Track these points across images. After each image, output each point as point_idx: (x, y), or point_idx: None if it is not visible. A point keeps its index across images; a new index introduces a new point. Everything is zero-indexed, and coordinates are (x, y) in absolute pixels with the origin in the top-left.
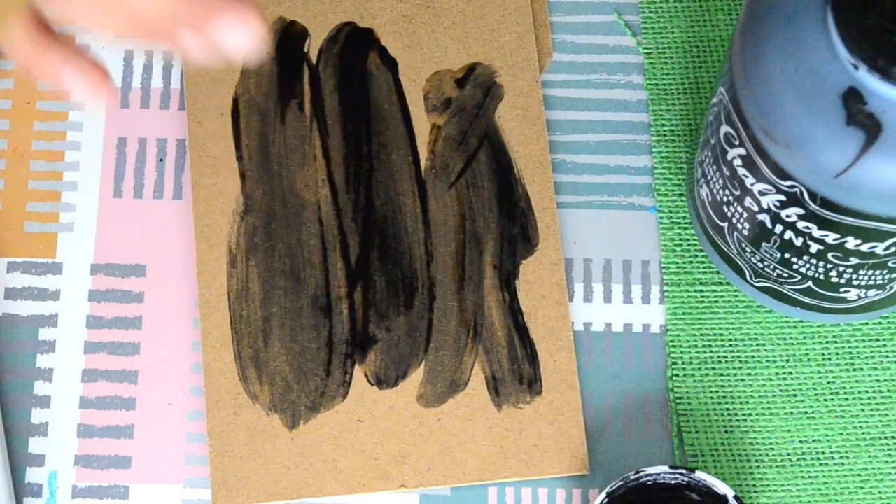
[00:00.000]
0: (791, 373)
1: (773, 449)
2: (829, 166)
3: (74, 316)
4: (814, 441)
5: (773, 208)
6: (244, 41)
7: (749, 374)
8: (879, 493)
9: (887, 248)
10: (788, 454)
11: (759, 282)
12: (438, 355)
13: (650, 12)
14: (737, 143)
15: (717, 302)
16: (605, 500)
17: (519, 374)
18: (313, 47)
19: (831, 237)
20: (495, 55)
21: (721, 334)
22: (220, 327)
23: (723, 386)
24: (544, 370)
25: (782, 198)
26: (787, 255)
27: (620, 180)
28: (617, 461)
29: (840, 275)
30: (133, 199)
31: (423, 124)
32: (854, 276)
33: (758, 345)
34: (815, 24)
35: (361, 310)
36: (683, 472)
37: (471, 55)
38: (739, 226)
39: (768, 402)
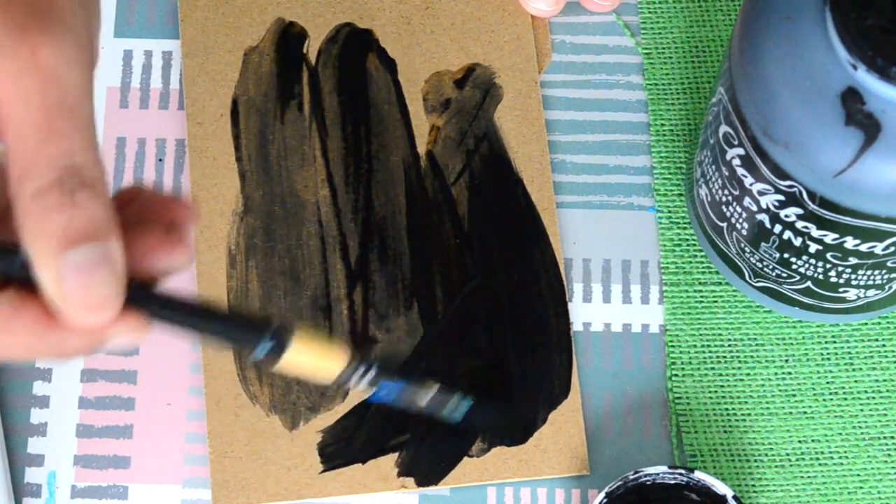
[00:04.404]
0: (790, 373)
1: (772, 449)
2: (828, 166)
3: None
4: (813, 441)
5: (772, 208)
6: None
7: (748, 374)
8: (878, 493)
9: (886, 247)
10: (787, 454)
11: (758, 282)
12: None
13: (649, 13)
14: (736, 143)
15: (716, 302)
16: (605, 500)
17: None
18: (312, 48)
19: (830, 237)
20: (494, 56)
21: (720, 334)
22: None
23: (722, 386)
24: None
25: (781, 198)
26: (786, 255)
27: (620, 180)
28: (616, 461)
29: (839, 275)
30: None
31: (422, 125)
32: (853, 276)
33: (757, 345)
34: (814, 24)
35: (361, 310)
36: (682, 472)
37: (469, 56)
38: (738, 226)
39: (767, 402)
